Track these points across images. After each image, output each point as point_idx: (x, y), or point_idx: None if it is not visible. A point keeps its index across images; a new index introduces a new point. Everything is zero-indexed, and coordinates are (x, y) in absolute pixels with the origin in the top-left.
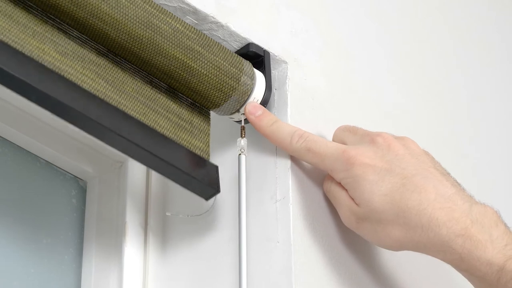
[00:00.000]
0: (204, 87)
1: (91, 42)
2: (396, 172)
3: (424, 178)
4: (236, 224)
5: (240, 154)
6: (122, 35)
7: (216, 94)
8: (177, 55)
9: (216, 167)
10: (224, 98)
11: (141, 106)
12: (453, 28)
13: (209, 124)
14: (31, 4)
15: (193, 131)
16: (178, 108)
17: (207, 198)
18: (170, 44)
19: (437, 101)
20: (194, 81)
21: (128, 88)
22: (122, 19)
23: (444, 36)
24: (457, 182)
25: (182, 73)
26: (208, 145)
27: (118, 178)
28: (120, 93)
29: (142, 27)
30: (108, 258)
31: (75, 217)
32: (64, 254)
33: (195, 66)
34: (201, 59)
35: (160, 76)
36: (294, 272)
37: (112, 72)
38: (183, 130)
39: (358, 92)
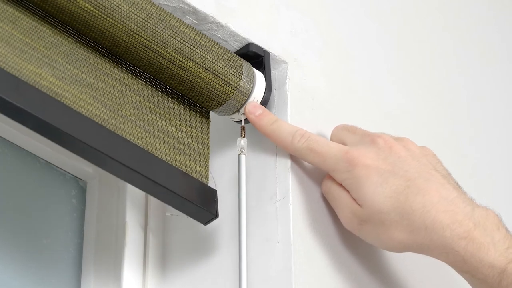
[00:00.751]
0: (204, 87)
1: (89, 65)
2: (400, 175)
3: (427, 180)
4: (236, 224)
5: (240, 154)
6: (124, 32)
7: (216, 95)
8: (176, 56)
9: (215, 192)
10: (224, 98)
11: (139, 130)
12: (453, 28)
13: (208, 148)
14: (29, 21)
15: (192, 155)
16: (177, 132)
17: (205, 223)
18: (169, 46)
19: (437, 101)
20: (194, 82)
21: (126, 112)
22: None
23: (444, 36)
24: (458, 185)
25: (181, 74)
26: (207, 169)
27: (118, 178)
28: (118, 118)
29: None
30: (108, 258)
31: (75, 217)
32: (64, 254)
33: (194, 67)
34: (201, 59)
35: (159, 77)
36: (294, 272)
37: (110, 96)
38: (181, 154)
39: (358, 92)
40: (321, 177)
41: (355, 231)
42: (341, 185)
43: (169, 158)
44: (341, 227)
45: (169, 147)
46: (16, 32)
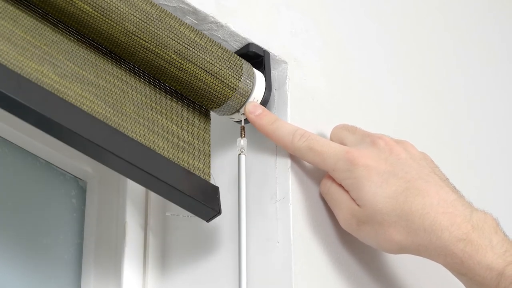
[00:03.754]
0: (203, 88)
1: (90, 63)
2: (400, 176)
3: (426, 182)
4: (236, 224)
5: (240, 154)
6: (122, 34)
7: (216, 95)
8: (175, 58)
9: (217, 188)
10: (224, 99)
11: (140, 127)
12: (453, 28)
13: (209, 146)
14: (30, 19)
15: (193, 152)
16: (178, 129)
17: (208, 220)
18: (168, 48)
19: (437, 101)
20: (193, 83)
21: (128, 109)
22: (121, 19)
23: (444, 36)
24: (456, 189)
25: (180, 75)
26: (209, 166)
27: (118, 178)
28: (120, 115)
29: (141, 27)
30: (108, 258)
31: (75, 217)
32: (64, 254)
33: (193, 69)
34: (200, 61)
35: (159, 77)
36: (294, 272)
37: (111, 94)
38: (183, 151)
39: (358, 92)
40: (321, 177)
41: (353, 232)
42: (340, 185)
43: (170, 155)
44: (341, 227)
45: (171, 145)
46: (17, 29)
